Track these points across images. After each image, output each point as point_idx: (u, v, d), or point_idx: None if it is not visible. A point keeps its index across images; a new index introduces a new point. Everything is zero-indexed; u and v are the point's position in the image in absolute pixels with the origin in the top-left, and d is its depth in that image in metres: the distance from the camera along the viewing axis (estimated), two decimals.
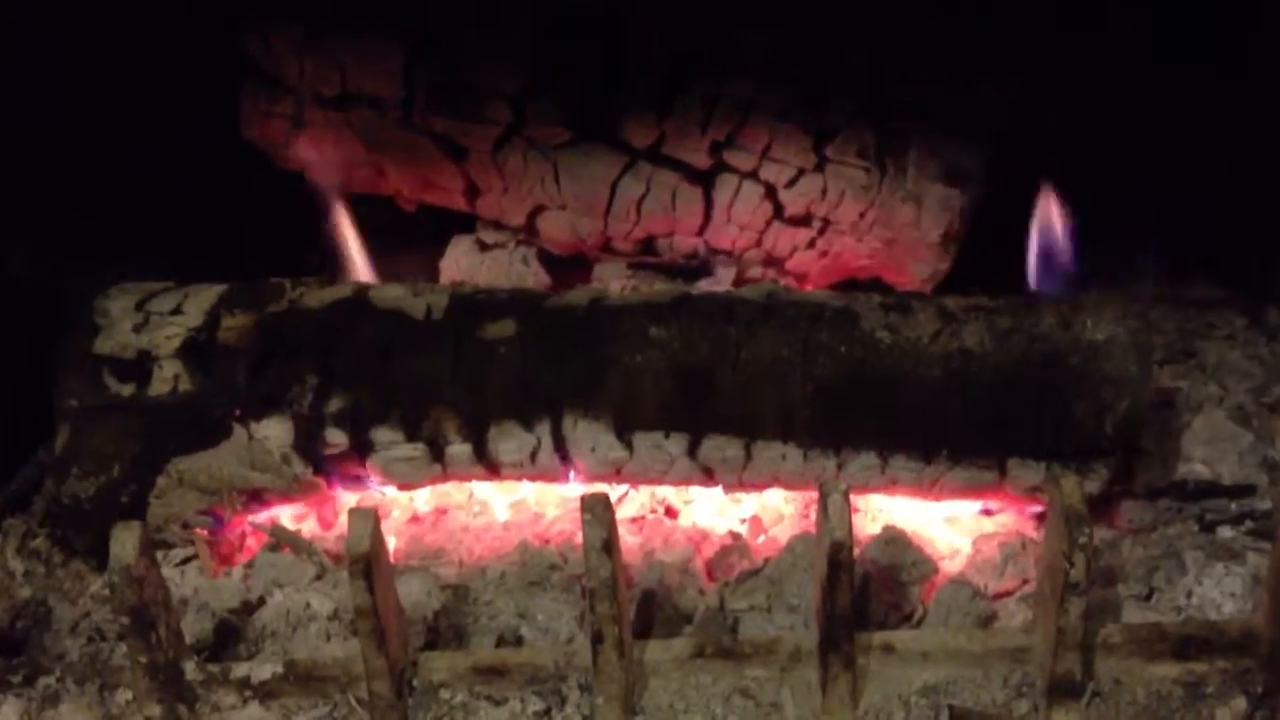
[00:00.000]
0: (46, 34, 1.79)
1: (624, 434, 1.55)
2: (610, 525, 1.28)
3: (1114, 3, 1.91)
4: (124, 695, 1.37)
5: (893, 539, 1.56)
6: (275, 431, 1.57)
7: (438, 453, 1.58)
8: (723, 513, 1.72)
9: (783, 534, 1.66)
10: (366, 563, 1.27)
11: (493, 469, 1.60)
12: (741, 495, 1.70)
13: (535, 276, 1.97)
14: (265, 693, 1.37)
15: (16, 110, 1.76)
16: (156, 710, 1.33)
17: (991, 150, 1.85)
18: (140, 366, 1.59)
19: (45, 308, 1.77)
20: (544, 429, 1.56)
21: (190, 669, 1.36)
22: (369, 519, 1.28)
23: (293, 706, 1.36)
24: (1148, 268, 1.91)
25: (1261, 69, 1.90)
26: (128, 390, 1.59)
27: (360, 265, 1.90)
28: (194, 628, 1.47)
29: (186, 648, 1.38)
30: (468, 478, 1.64)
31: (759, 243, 1.91)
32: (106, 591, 1.54)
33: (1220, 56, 1.92)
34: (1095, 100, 1.95)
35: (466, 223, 2.01)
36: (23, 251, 1.85)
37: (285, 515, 1.70)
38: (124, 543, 1.27)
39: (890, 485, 1.58)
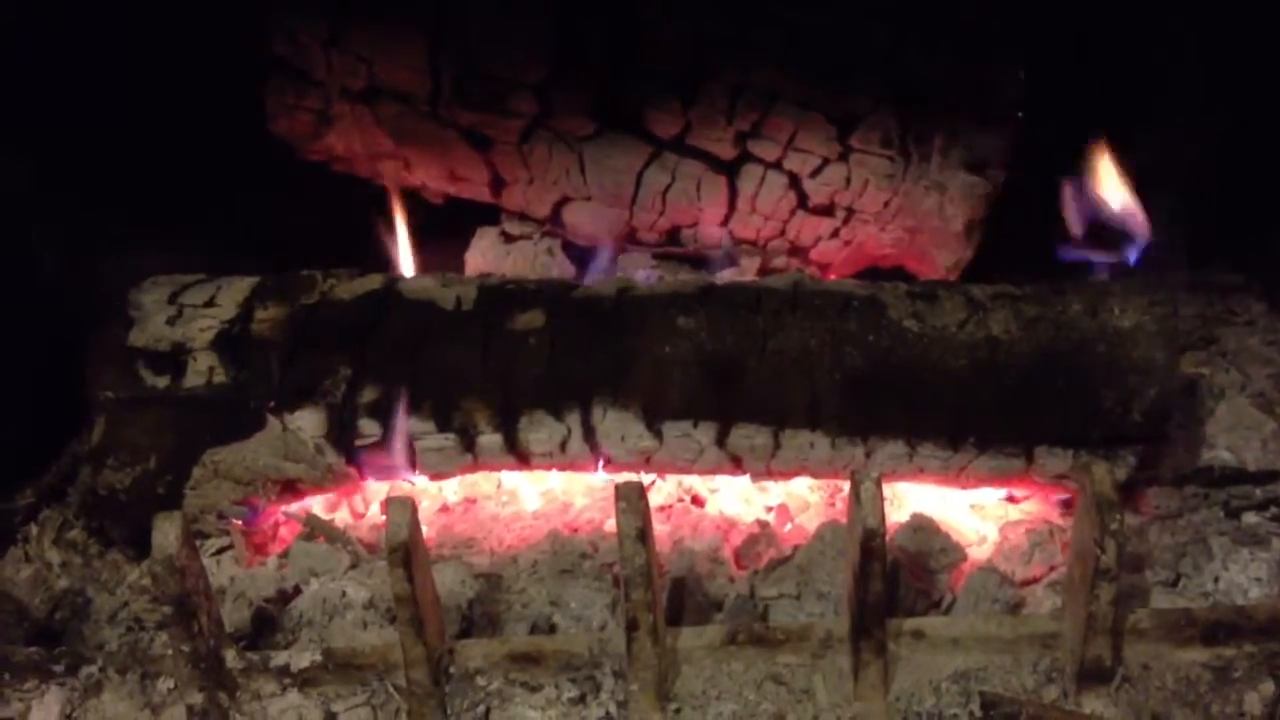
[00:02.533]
0: (75, 33, 1.81)
1: (653, 423, 1.57)
2: (645, 514, 1.30)
3: None
4: (165, 683, 1.40)
5: (921, 526, 1.58)
6: (309, 422, 1.58)
7: (469, 443, 1.60)
8: (748, 501, 1.74)
9: (809, 522, 1.67)
10: (405, 551, 1.29)
11: (523, 459, 1.62)
12: (768, 484, 1.72)
13: (560, 267, 1.98)
14: (304, 680, 1.39)
15: (48, 108, 1.78)
16: (198, 698, 1.36)
17: (1015, 137, 1.85)
18: (175, 359, 1.61)
19: (75, 300, 1.79)
20: (574, 419, 1.58)
21: (231, 657, 1.38)
22: (407, 508, 1.30)
23: (331, 694, 1.38)
24: (1174, 252, 1.91)
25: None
26: (163, 382, 1.61)
27: (392, 256, 1.91)
28: (232, 617, 1.49)
29: (227, 636, 1.40)
30: (498, 467, 1.66)
31: (783, 232, 1.92)
32: (144, 581, 1.58)
33: (1242, 37, 1.92)
34: (1119, 86, 1.96)
35: (491, 214, 2.03)
36: (53, 245, 1.88)
37: (317, 505, 1.72)
38: (166, 533, 1.30)
39: (918, 473, 1.59)
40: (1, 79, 1.72)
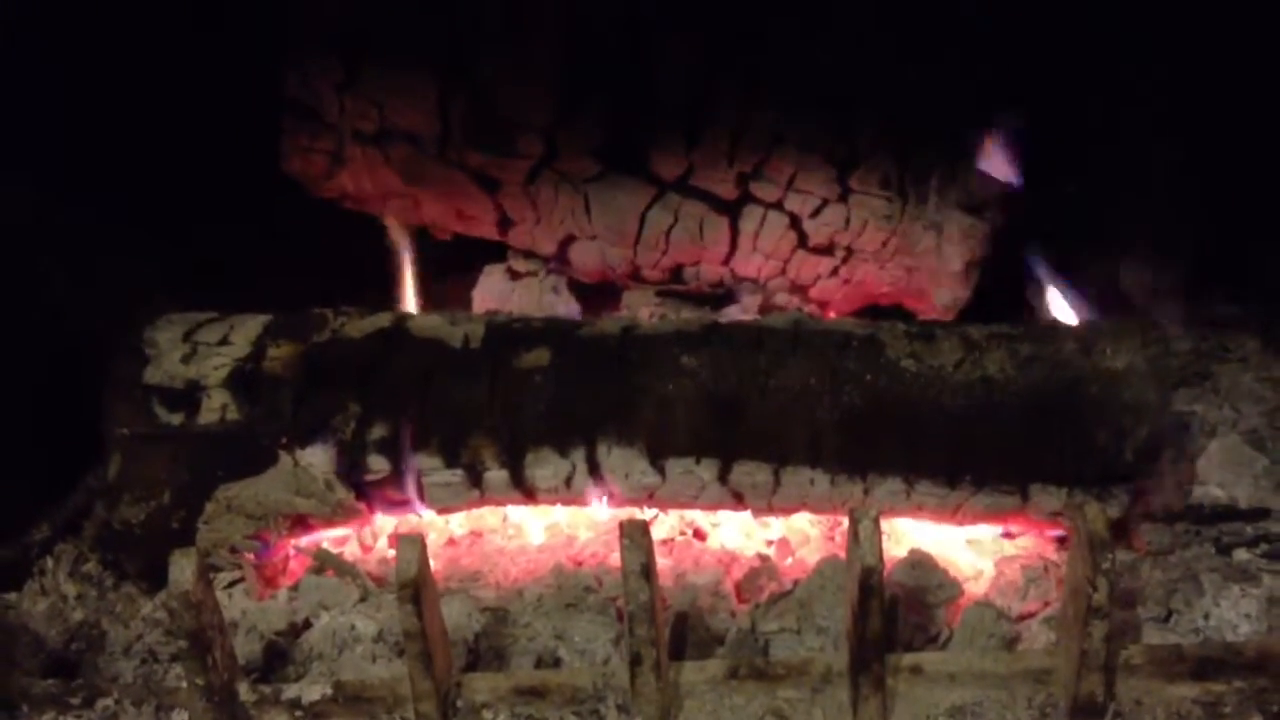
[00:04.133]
0: (100, 69, 1.85)
1: (656, 460, 1.61)
2: (649, 550, 1.33)
3: (1126, 33, 1.95)
4: (180, 716, 1.43)
5: (918, 562, 1.61)
6: (319, 458, 1.62)
7: (476, 478, 1.63)
8: (749, 535, 1.77)
9: (809, 556, 1.71)
10: (415, 588, 1.32)
11: (529, 494, 1.65)
12: (769, 519, 1.75)
13: (565, 304, 2.03)
14: (315, 713, 1.42)
15: (62, 142, 1.83)
16: None
17: (1012, 178, 1.90)
18: (189, 396, 1.65)
19: (88, 338, 1.82)
20: (579, 455, 1.61)
21: (244, 690, 1.41)
22: (416, 545, 1.34)
23: None
24: (1166, 291, 1.96)
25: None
26: (177, 419, 1.64)
27: (400, 293, 1.95)
28: (243, 649, 1.52)
29: (240, 670, 1.43)
30: (504, 503, 1.70)
31: (784, 271, 1.96)
32: (158, 614, 1.61)
33: (1238, 79, 1.96)
34: (1113, 125, 2.00)
35: (498, 252, 2.07)
36: (65, 280, 1.91)
37: (326, 539, 1.75)
38: (183, 568, 1.33)
39: (915, 510, 1.62)
40: (18, 115, 1.77)
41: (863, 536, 1.32)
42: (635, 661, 1.36)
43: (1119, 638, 1.43)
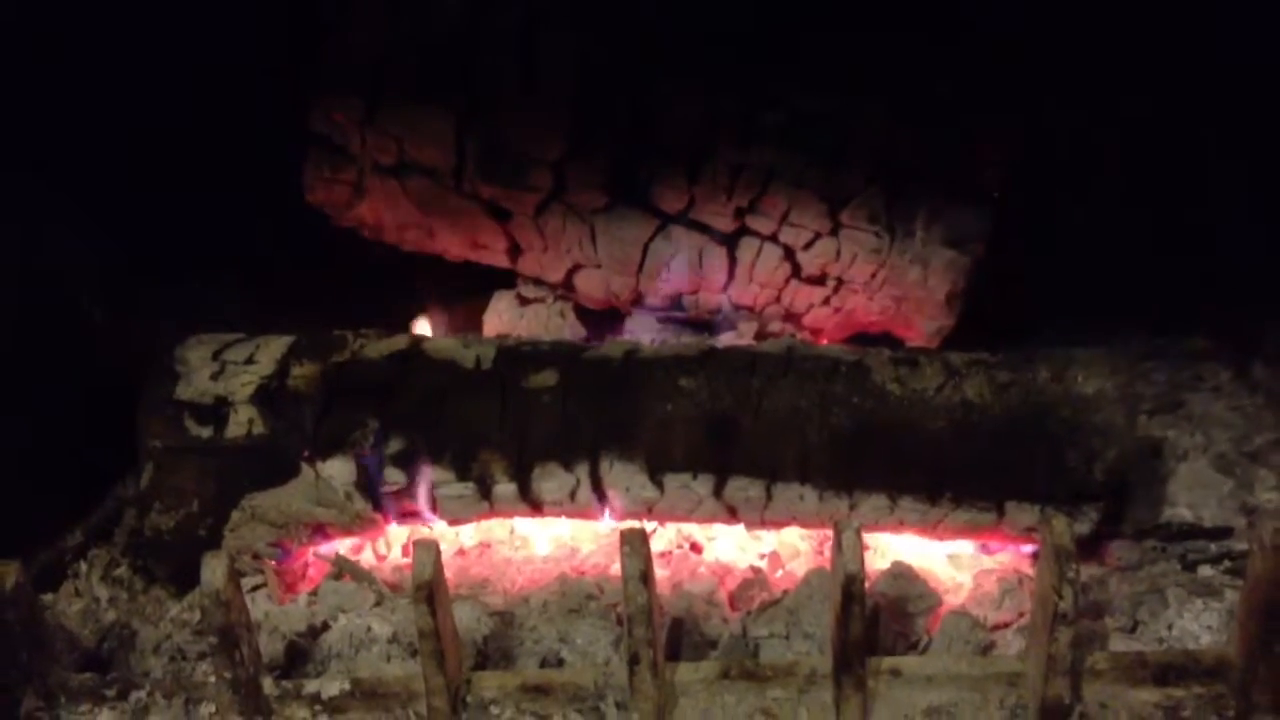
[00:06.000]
0: (131, 101, 1.96)
1: (655, 475, 1.71)
2: (647, 557, 1.43)
3: (1105, 73, 2.06)
4: (207, 709, 1.52)
5: (900, 573, 1.71)
6: (339, 471, 1.73)
7: (486, 491, 1.74)
8: (743, 549, 1.87)
9: (799, 569, 1.80)
10: (429, 589, 1.42)
11: (535, 506, 1.76)
12: (761, 532, 1.85)
13: (571, 329, 2.13)
14: (334, 708, 1.51)
15: (100, 179, 1.94)
16: None
17: (993, 215, 2.01)
18: (217, 411, 1.75)
19: (120, 357, 1.93)
20: (583, 470, 1.72)
21: (268, 685, 1.51)
22: (431, 550, 1.44)
23: None
24: (1137, 324, 2.06)
25: (1250, 126, 2.05)
26: (206, 433, 1.75)
27: (416, 319, 2.06)
28: (266, 649, 1.61)
29: (264, 666, 1.53)
30: (512, 514, 1.80)
31: (778, 300, 2.07)
32: (186, 615, 1.71)
33: (1213, 118, 2.07)
34: (1088, 161, 2.11)
35: (508, 278, 2.18)
36: (102, 305, 2.02)
37: (343, 548, 1.86)
38: (214, 570, 1.43)
39: (898, 525, 1.73)
40: (51, 147, 1.88)
41: (846, 545, 1.42)
42: (633, 661, 1.45)
43: (1086, 644, 1.53)
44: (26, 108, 1.82)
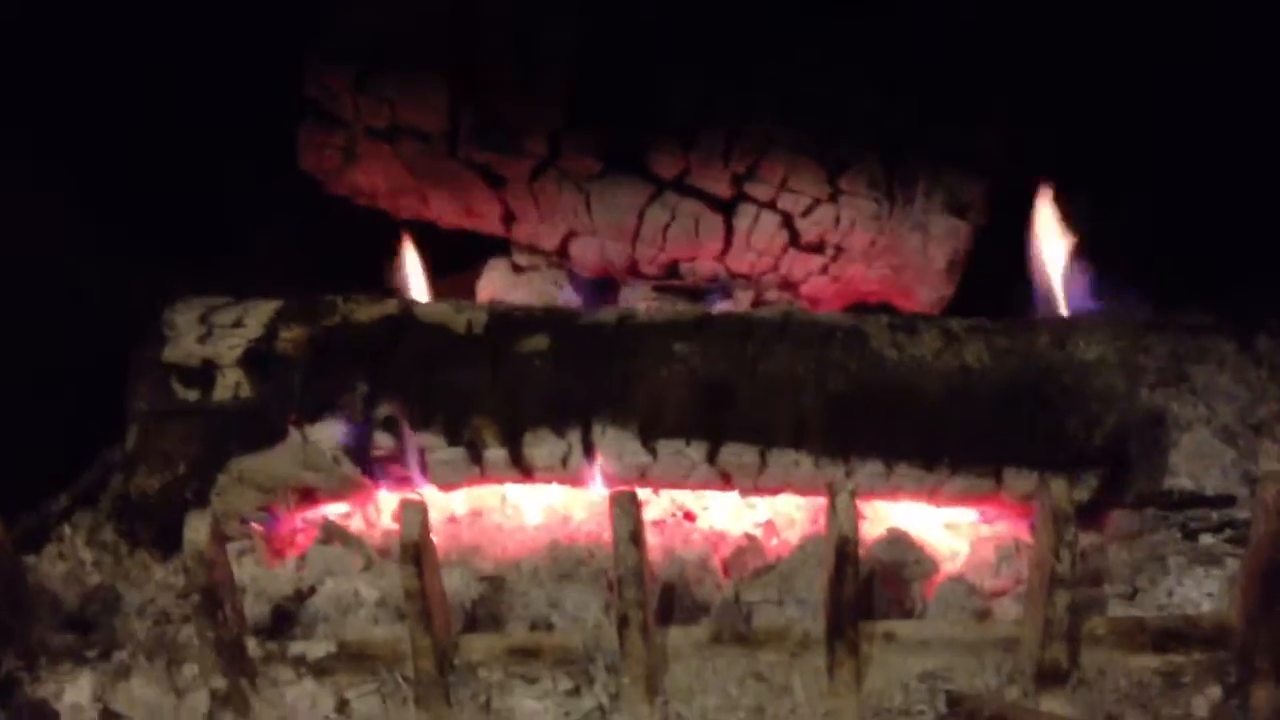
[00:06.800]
0: (118, 68, 1.94)
1: (648, 441, 1.68)
2: (638, 519, 1.41)
3: (1105, 38, 2.03)
4: (190, 669, 1.50)
5: (896, 539, 1.68)
6: (327, 435, 1.70)
7: (476, 456, 1.71)
8: (737, 517, 1.84)
9: (794, 537, 1.78)
10: (416, 549, 1.40)
11: (527, 473, 1.73)
12: (755, 500, 1.83)
13: (566, 297, 2.11)
14: (319, 669, 1.49)
15: (90, 140, 1.91)
16: (221, 683, 1.46)
17: (992, 182, 1.98)
18: (205, 374, 1.73)
19: (107, 320, 1.90)
20: (575, 436, 1.69)
21: (252, 646, 1.49)
22: (419, 511, 1.42)
23: (344, 682, 1.48)
24: (1140, 293, 2.03)
25: (1257, 98, 2.02)
26: (193, 395, 1.73)
27: (407, 284, 2.03)
28: (252, 612, 1.59)
29: (248, 626, 1.51)
30: (503, 480, 1.77)
31: (775, 268, 2.04)
32: (172, 579, 1.69)
33: (1215, 88, 2.04)
34: (1090, 131, 2.08)
35: (502, 246, 2.15)
36: (92, 267, 2.00)
37: (332, 515, 1.83)
38: (198, 529, 1.41)
39: (894, 491, 1.70)
40: (45, 111, 1.86)
41: (840, 507, 1.39)
42: (623, 623, 1.43)
43: (1084, 610, 1.50)
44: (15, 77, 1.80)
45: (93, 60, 1.90)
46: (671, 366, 1.69)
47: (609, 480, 1.73)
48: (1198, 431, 1.86)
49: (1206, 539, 1.69)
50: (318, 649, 1.50)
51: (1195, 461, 1.79)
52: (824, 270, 2.03)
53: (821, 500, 1.77)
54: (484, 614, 1.61)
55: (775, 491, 1.74)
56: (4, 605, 1.49)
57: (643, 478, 1.72)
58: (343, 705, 1.47)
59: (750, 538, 1.77)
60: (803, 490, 1.73)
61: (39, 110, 1.84)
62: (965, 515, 1.78)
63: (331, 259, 2.08)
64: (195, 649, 1.48)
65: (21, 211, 1.85)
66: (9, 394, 1.76)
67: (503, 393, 1.70)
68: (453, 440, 1.71)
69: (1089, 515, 1.67)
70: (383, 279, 2.07)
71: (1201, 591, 1.58)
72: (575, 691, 1.46)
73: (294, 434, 1.71)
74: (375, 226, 2.11)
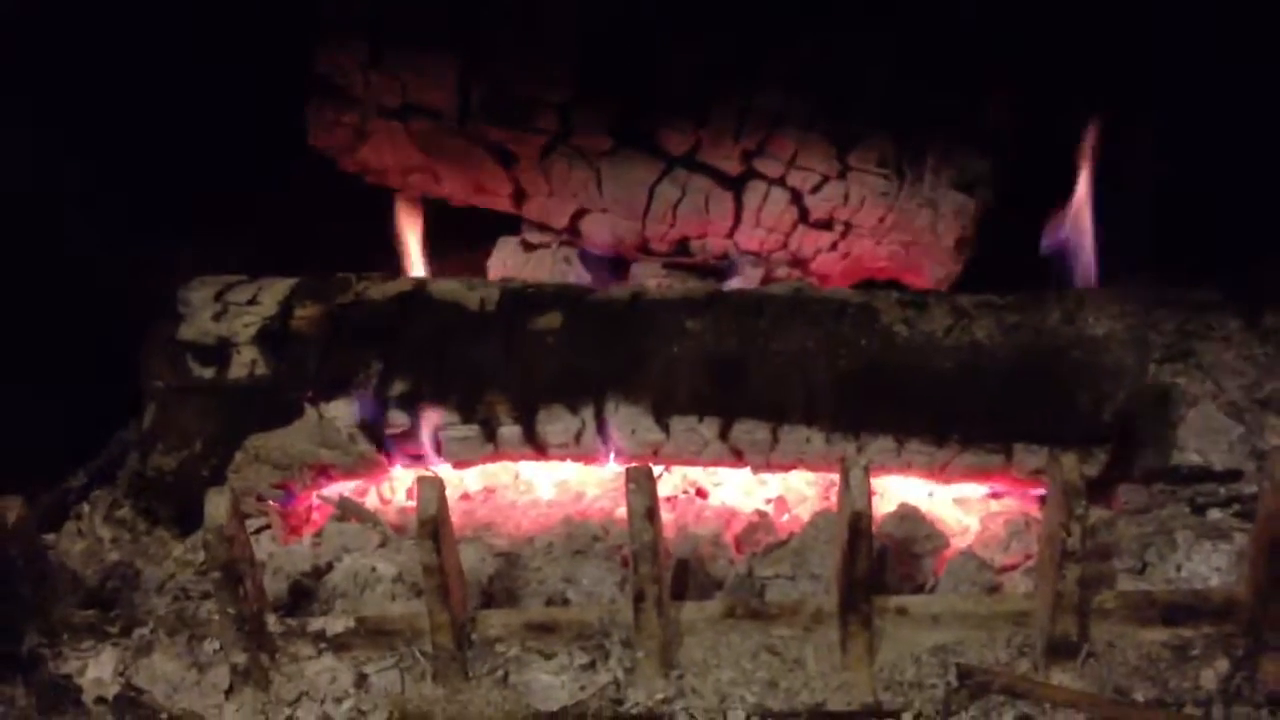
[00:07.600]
0: (130, 38, 1.94)
1: (661, 418, 1.70)
2: (653, 494, 1.42)
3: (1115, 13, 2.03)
4: (211, 645, 1.52)
5: (907, 515, 1.70)
6: (342, 412, 1.72)
7: (490, 433, 1.73)
8: (749, 493, 1.86)
9: (805, 513, 1.79)
10: (434, 525, 1.41)
11: (540, 449, 1.75)
12: (767, 477, 1.84)
13: (576, 275, 2.11)
14: (338, 645, 1.51)
15: (102, 116, 1.92)
16: (242, 658, 1.48)
17: (1002, 160, 1.98)
18: (220, 352, 1.74)
19: (123, 300, 1.92)
20: (588, 412, 1.70)
21: (271, 621, 1.51)
22: (436, 487, 1.43)
23: (363, 657, 1.50)
24: (1148, 268, 2.04)
25: (1261, 73, 2.02)
26: (209, 373, 1.74)
27: (419, 261, 2.04)
28: (271, 588, 1.60)
29: (268, 602, 1.52)
30: (517, 457, 1.79)
31: (785, 245, 2.05)
32: (190, 555, 1.70)
33: (1218, 60, 2.04)
34: (1100, 108, 2.08)
35: (513, 224, 2.16)
36: (104, 248, 2.01)
37: (347, 490, 1.85)
38: (217, 505, 1.42)
39: (905, 467, 1.71)
40: (58, 84, 1.86)
41: (853, 482, 1.41)
42: (639, 598, 1.45)
43: (1094, 584, 1.52)
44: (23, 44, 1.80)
45: (100, 35, 1.90)
46: (684, 343, 1.70)
47: (622, 457, 1.74)
48: (1205, 407, 1.89)
49: (1214, 513, 1.71)
50: (337, 624, 1.52)
51: (1203, 437, 1.81)
52: (833, 247, 2.04)
53: (832, 476, 1.80)
54: (500, 589, 1.63)
55: (787, 468, 1.75)
56: (27, 583, 1.51)
57: (655, 454, 1.73)
58: (361, 680, 1.48)
59: (762, 514, 1.78)
60: (814, 466, 1.75)
61: (44, 84, 1.84)
62: (975, 490, 1.80)
63: (342, 237, 2.09)
64: (215, 625, 1.50)
65: (32, 188, 1.86)
66: (26, 374, 1.77)
67: (516, 370, 1.71)
68: (467, 417, 1.72)
69: (1098, 490, 1.69)
70: (395, 255, 2.09)
71: (1210, 566, 1.60)
72: (591, 666, 1.48)
73: (310, 411, 1.72)
74: (385, 204, 2.13)
